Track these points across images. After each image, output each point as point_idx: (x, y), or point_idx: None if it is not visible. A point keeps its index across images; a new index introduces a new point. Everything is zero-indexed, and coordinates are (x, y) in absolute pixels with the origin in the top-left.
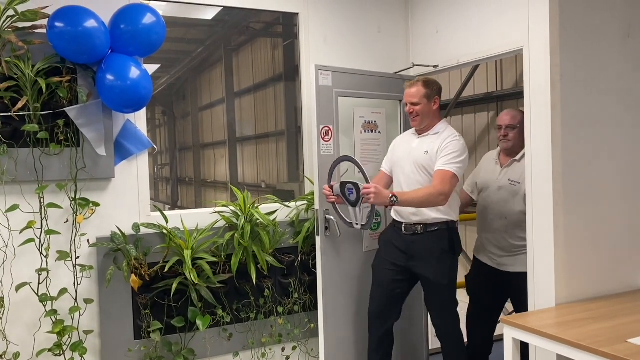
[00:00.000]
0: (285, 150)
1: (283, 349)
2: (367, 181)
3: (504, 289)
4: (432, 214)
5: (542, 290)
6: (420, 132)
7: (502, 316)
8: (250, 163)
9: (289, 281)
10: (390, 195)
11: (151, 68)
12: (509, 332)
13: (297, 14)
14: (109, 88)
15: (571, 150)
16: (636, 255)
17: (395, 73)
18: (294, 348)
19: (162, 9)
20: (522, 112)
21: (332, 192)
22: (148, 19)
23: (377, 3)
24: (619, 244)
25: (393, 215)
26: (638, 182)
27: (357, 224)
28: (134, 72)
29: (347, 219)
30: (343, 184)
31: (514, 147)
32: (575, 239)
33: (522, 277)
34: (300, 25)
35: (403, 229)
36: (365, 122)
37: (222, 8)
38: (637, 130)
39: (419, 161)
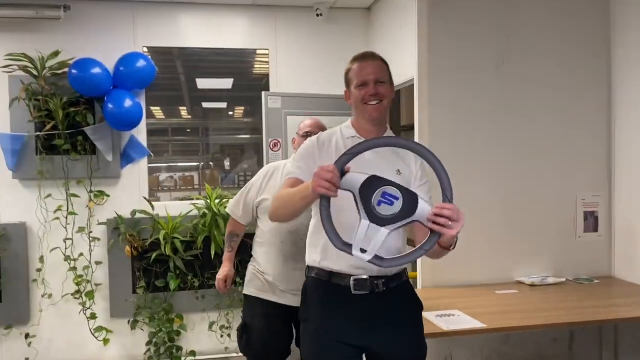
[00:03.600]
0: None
1: None
2: (448, 198)
3: None
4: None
5: None
6: (365, 135)
7: None
8: None
9: None
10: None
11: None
12: None
13: (268, 49)
14: (110, 114)
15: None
16: None
17: None
18: None
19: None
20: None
21: (338, 180)
22: (141, 62)
23: (341, 34)
24: None
25: (325, 263)
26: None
27: (364, 250)
28: (127, 103)
29: (339, 237)
30: (376, 181)
31: None
32: None
33: None
34: (270, 59)
35: (353, 286)
36: None
37: None
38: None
39: None
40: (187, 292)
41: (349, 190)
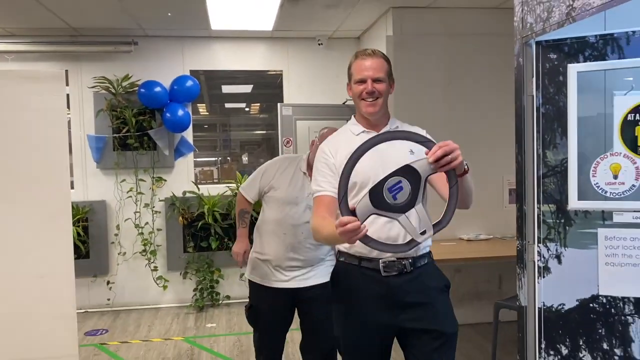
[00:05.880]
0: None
1: None
2: (432, 144)
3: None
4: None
5: None
6: (372, 128)
7: None
8: None
9: None
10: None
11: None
12: None
13: (282, 71)
14: (167, 121)
15: None
16: None
17: (343, 104)
18: None
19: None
20: None
21: (359, 223)
22: (189, 82)
23: (337, 57)
24: None
25: (356, 249)
26: None
27: (422, 232)
28: (180, 112)
29: (397, 245)
30: (376, 189)
31: None
32: None
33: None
34: (284, 78)
35: (382, 268)
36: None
37: None
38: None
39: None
40: (224, 252)
41: (370, 215)
